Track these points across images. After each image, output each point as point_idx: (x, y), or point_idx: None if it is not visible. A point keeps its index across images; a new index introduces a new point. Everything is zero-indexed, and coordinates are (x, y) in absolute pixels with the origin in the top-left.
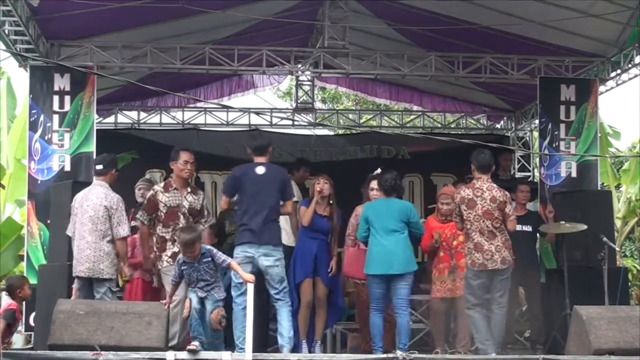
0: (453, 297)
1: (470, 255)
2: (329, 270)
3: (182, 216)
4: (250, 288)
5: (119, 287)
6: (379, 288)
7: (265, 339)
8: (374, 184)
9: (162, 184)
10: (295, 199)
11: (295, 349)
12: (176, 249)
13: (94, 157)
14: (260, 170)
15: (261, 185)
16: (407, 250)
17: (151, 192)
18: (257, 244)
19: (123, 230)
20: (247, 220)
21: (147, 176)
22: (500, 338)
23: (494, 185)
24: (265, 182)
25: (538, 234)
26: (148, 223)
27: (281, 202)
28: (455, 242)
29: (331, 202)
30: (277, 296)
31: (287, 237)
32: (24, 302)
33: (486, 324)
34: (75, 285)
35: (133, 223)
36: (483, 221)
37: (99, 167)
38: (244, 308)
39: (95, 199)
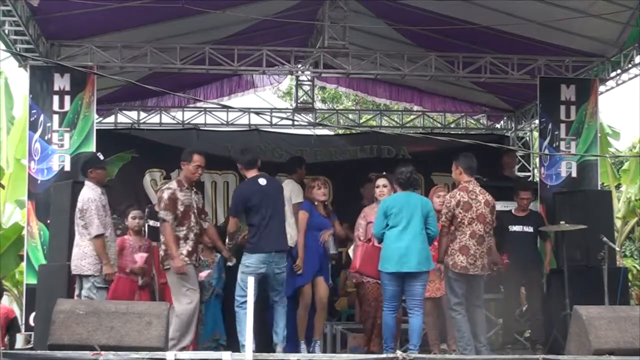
0: (440, 297)
1: (453, 257)
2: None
3: (193, 215)
4: (251, 290)
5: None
6: (392, 286)
7: (268, 342)
8: (380, 181)
9: (174, 183)
10: (300, 199)
11: (295, 349)
12: (189, 247)
13: None
14: (262, 181)
15: (267, 196)
16: (424, 247)
17: (169, 190)
18: (272, 252)
19: (92, 230)
20: (259, 230)
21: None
22: (485, 335)
23: (483, 189)
24: (270, 193)
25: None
26: (173, 222)
27: None
28: None
29: (326, 203)
30: (276, 298)
31: (290, 239)
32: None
33: (469, 327)
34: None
35: (152, 222)
36: (476, 224)
37: (80, 168)
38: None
39: (78, 199)
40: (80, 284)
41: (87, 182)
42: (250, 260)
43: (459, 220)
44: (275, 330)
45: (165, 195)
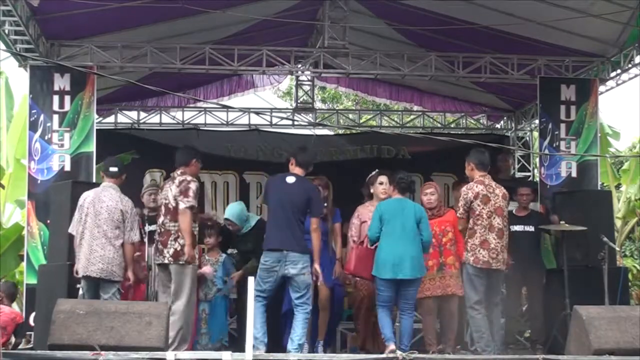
0: (443, 295)
1: (474, 252)
2: (332, 275)
3: None
4: (251, 287)
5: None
6: (387, 292)
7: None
8: (382, 178)
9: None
10: None
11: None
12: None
13: (94, 157)
14: (291, 179)
15: (289, 194)
16: (417, 255)
17: (195, 183)
18: (284, 250)
19: (135, 235)
20: (273, 226)
21: (148, 177)
22: (500, 336)
23: (497, 183)
24: (293, 192)
25: (544, 233)
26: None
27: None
28: (444, 239)
29: (326, 203)
30: (298, 301)
31: None
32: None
33: (488, 326)
34: (82, 288)
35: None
36: (494, 218)
37: (114, 169)
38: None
39: (110, 201)
40: (96, 288)
41: (115, 186)
42: (265, 258)
43: (477, 213)
44: (291, 337)
45: (195, 186)
